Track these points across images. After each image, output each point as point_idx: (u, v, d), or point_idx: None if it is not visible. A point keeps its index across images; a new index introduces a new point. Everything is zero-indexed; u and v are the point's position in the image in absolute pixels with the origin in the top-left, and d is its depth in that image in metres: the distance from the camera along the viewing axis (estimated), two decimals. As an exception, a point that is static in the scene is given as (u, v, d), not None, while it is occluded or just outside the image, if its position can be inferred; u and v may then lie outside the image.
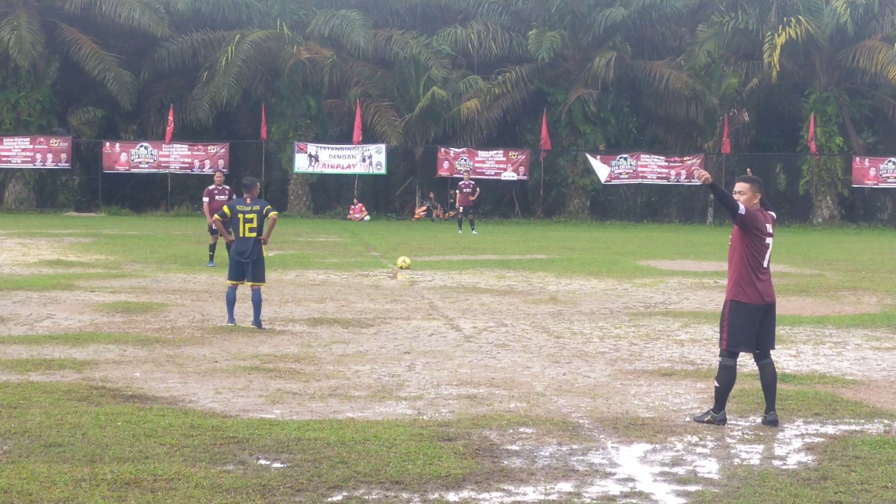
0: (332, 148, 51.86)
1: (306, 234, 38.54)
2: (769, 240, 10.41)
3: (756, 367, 10.77)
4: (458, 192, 42.96)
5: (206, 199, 25.89)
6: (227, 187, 26.58)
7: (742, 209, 10.22)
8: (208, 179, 51.48)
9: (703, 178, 10.11)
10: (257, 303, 16.39)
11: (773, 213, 10.66)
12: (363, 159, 51.46)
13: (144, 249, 29.92)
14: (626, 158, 52.27)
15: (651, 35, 55.53)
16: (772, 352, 10.55)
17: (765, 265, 10.39)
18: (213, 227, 24.87)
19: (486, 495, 7.96)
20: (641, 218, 53.33)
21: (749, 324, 10.30)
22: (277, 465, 8.59)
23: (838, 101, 51.73)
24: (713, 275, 24.77)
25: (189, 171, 51.66)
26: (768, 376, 10.41)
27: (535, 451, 9.20)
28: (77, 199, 53.06)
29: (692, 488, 8.23)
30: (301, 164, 50.98)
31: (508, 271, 25.52)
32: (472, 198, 41.67)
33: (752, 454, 9.36)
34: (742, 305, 10.31)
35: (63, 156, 50.75)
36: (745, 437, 9.95)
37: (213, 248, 25.96)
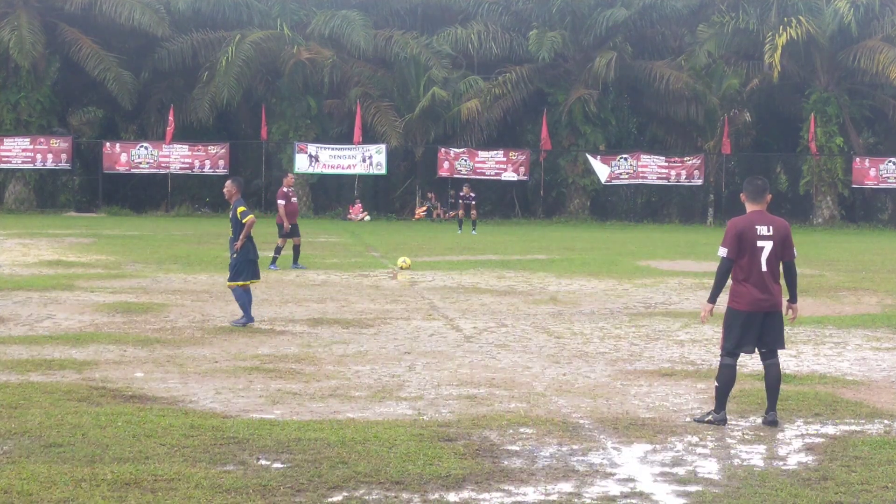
0: (333, 148, 51.89)
1: (306, 234, 38.39)
2: (762, 242, 10.24)
3: (756, 368, 10.77)
4: (460, 201, 43.02)
5: (282, 202, 25.79)
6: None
7: (722, 252, 10.33)
8: (208, 180, 51.87)
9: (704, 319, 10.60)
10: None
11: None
12: (363, 159, 51.48)
13: (145, 250, 29.91)
14: (626, 159, 52.28)
15: (651, 35, 55.56)
16: (773, 352, 10.55)
17: (763, 269, 10.23)
18: (286, 229, 25.24)
19: (486, 495, 7.96)
20: (642, 218, 53.34)
21: (744, 330, 10.26)
22: (278, 465, 8.59)
23: (839, 102, 51.74)
24: (713, 275, 24.73)
25: (189, 172, 51.69)
26: (772, 377, 10.37)
27: (535, 452, 9.20)
28: (77, 200, 53.06)
29: (692, 489, 8.22)
30: (301, 164, 50.98)
31: (509, 271, 25.52)
32: (473, 212, 41.77)
33: (752, 454, 9.36)
34: (736, 312, 10.31)
35: (63, 156, 50.77)
36: (746, 437, 9.95)
37: (279, 250, 25.78)
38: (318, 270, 25.17)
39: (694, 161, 52.39)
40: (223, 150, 51.77)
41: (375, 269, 26.13)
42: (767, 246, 10.26)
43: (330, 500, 7.78)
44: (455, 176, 51.32)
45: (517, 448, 9.31)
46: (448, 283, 23.04)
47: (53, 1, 51.14)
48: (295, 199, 26.53)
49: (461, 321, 17.23)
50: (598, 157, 52.26)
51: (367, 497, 7.82)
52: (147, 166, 51.47)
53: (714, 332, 15.52)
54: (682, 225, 51.53)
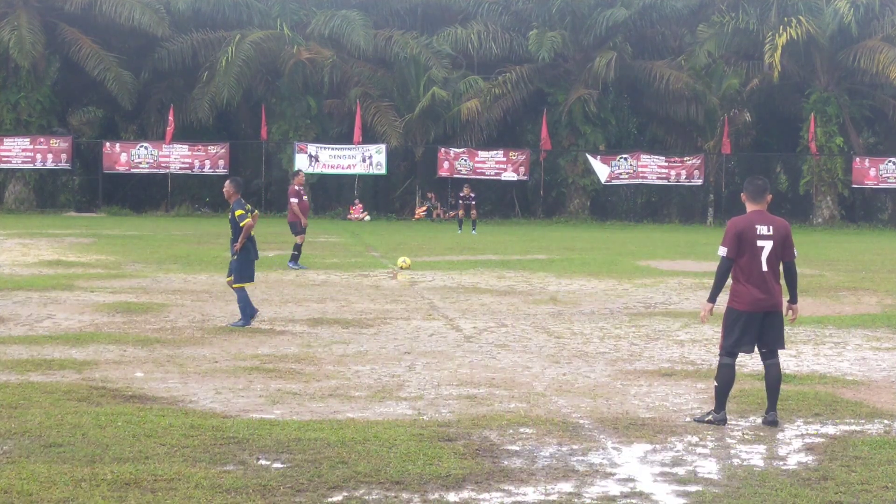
0: (333, 148, 51.89)
1: (306, 234, 38.44)
2: (762, 242, 10.24)
3: (756, 368, 10.76)
4: (460, 202, 43.07)
5: (294, 200, 26.00)
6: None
7: (722, 251, 10.31)
8: (208, 180, 51.86)
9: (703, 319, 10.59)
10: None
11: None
12: (363, 159, 51.49)
13: (144, 249, 29.91)
14: (626, 158, 52.28)
15: (651, 35, 55.56)
16: (773, 352, 10.54)
17: (763, 269, 10.23)
18: (304, 225, 25.28)
19: (486, 495, 7.96)
20: (642, 218, 53.34)
21: (744, 329, 10.25)
22: (277, 465, 8.59)
23: (839, 102, 51.75)
24: (713, 275, 24.72)
25: (189, 172, 51.69)
26: (772, 377, 10.36)
27: (535, 452, 9.20)
28: (77, 200, 53.07)
29: (692, 488, 8.22)
30: (301, 164, 50.91)
31: (509, 271, 25.52)
32: (473, 212, 41.84)
33: (752, 454, 9.35)
34: (736, 312, 10.30)
35: (63, 156, 50.77)
36: (746, 437, 9.95)
37: (298, 247, 25.83)
38: (318, 270, 25.17)
39: (694, 161, 52.39)
40: (223, 150, 51.77)
41: (375, 269, 26.14)
42: (767, 246, 10.25)
43: (330, 500, 7.78)
44: (455, 176, 51.33)
45: (517, 448, 9.31)
46: (448, 283, 23.04)
47: (53, 1, 51.14)
48: (306, 196, 26.77)
49: (461, 321, 17.23)
50: (598, 157, 52.26)
51: (367, 497, 7.82)
52: (147, 166, 51.47)
53: (714, 332, 15.52)
54: (682, 225, 51.53)
